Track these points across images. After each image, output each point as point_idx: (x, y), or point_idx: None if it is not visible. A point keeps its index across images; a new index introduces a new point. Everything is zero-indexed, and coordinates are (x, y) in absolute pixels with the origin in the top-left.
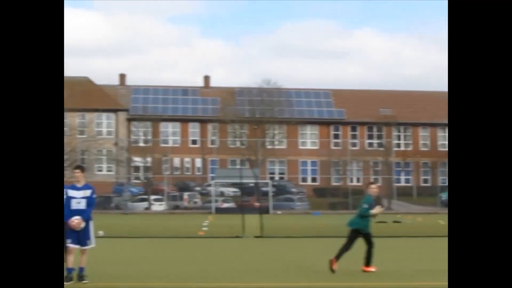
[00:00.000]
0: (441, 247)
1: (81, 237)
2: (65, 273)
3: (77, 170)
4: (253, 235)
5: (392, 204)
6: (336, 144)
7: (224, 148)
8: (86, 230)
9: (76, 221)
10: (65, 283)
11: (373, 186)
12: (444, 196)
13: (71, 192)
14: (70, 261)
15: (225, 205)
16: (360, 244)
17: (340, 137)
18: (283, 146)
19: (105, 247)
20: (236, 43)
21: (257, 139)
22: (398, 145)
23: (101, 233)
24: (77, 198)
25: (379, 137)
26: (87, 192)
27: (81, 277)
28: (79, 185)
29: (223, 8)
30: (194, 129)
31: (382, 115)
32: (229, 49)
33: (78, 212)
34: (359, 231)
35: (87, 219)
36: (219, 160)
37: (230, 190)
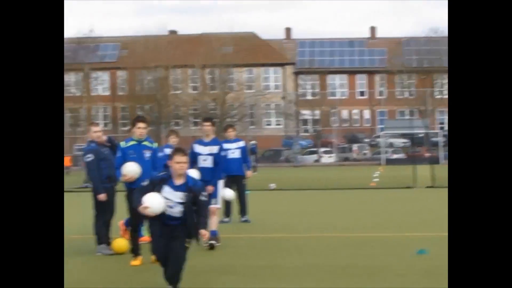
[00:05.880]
0: None
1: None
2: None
3: (207, 123)
4: (425, 185)
5: None
6: None
7: (392, 99)
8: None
9: None
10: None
11: None
12: None
13: (197, 148)
14: (213, 223)
15: (395, 156)
16: None
17: None
18: None
19: (276, 199)
20: None
21: (426, 89)
22: None
23: (272, 185)
24: (203, 154)
25: None
26: (214, 149)
27: (210, 239)
28: (206, 140)
29: None
30: (361, 81)
31: None
32: None
33: (204, 170)
34: None
35: (213, 181)
36: (388, 111)
37: (399, 141)
